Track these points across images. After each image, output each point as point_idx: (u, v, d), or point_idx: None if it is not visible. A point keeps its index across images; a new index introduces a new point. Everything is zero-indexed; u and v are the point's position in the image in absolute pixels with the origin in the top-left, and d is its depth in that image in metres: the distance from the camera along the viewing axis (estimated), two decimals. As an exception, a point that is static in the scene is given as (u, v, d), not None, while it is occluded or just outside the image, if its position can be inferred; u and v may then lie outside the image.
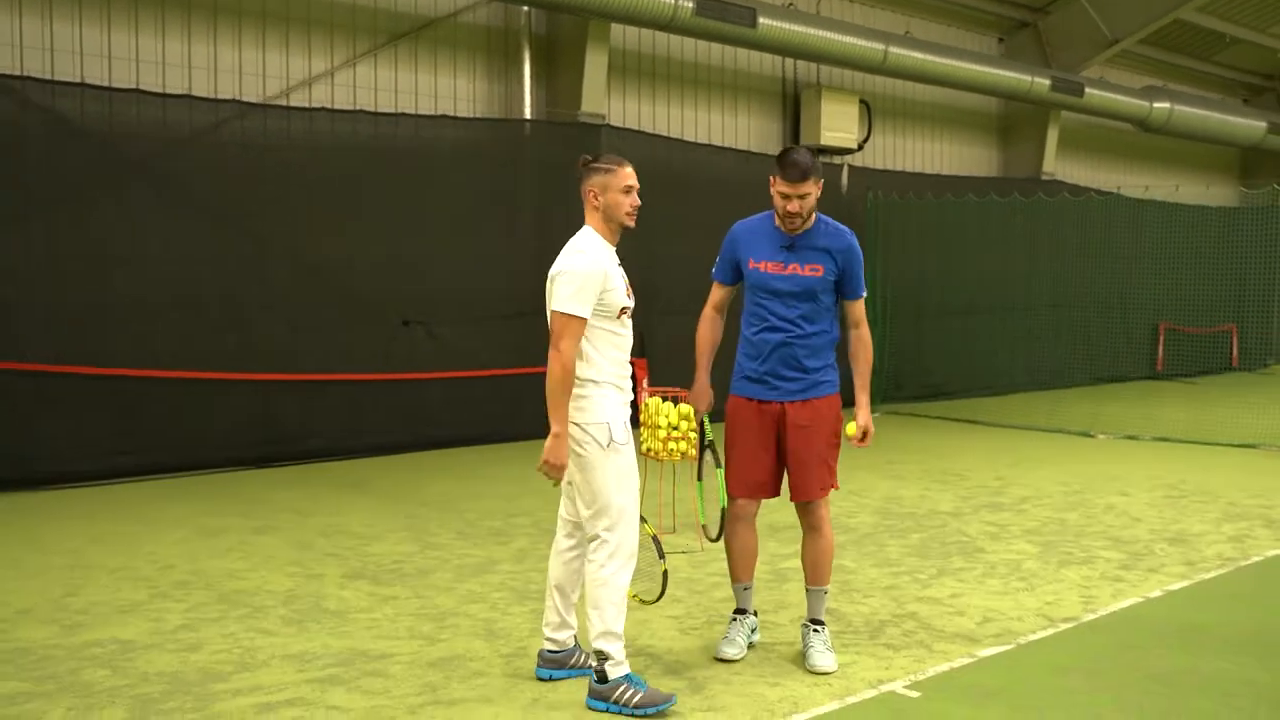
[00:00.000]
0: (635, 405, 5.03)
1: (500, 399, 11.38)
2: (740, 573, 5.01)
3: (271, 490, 8.88)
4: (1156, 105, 18.14)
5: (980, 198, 15.66)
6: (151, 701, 4.36)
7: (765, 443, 4.83)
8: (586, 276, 4.31)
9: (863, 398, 4.86)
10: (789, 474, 4.85)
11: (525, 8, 12.08)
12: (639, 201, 4.53)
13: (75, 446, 9.14)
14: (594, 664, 4.32)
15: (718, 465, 4.86)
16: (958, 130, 17.79)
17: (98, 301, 9.26)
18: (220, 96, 10.21)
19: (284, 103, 10.62)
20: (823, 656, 4.74)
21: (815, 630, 4.83)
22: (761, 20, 12.63)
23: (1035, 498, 8.67)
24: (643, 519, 4.64)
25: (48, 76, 9.37)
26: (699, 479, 5.07)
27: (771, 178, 4.75)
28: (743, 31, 12.56)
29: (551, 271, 4.40)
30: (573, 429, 4.32)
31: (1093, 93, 17.07)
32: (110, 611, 5.57)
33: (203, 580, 6.18)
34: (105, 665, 4.77)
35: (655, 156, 12.89)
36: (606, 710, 4.25)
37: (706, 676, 4.67)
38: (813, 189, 4.68)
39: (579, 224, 4.61)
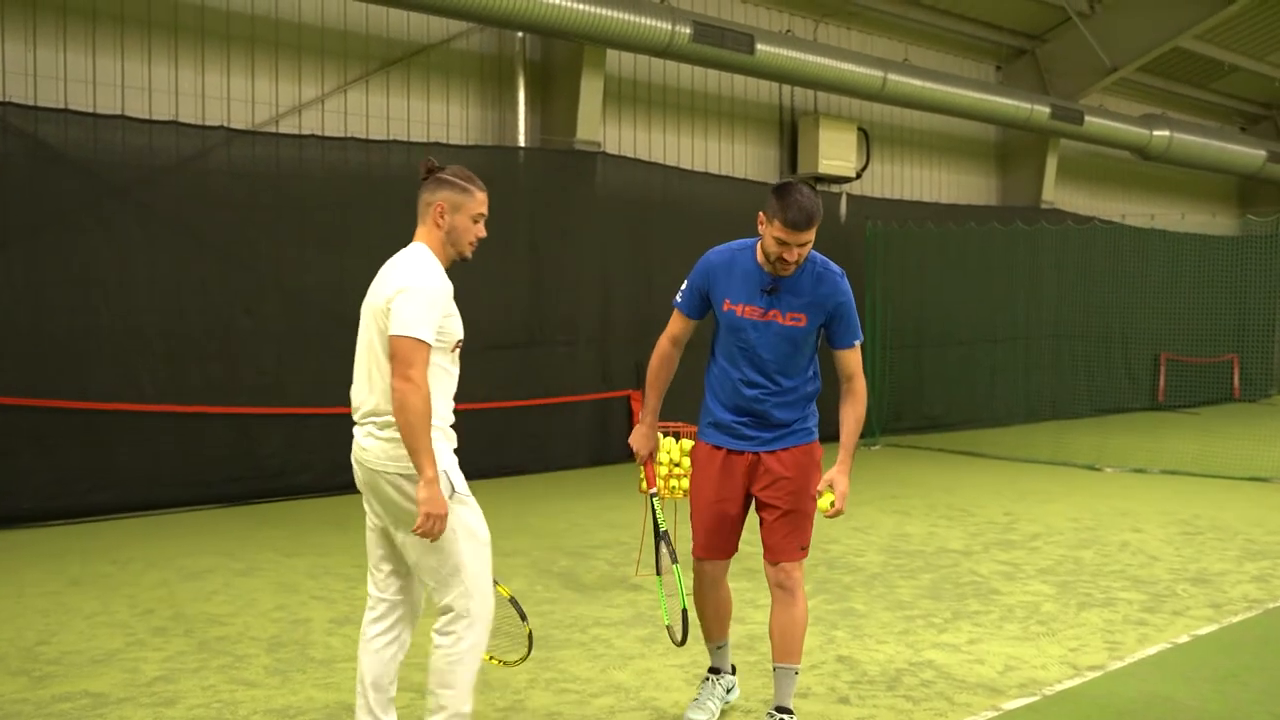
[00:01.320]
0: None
1: (487, 433, 11.06)
2: (713, 632, 4.52)
3: (256, 528, 8.58)
4: (1156, 133, 18.01)
5: (981, 226, 15.49)
6: (122, 763, 4.07)
7: (733, 496, 4.30)
8: (437, 297, 3.73)
9: (845, 462, 4.17)
10: (763, 530, 4.28)
11: (520, 34, 11.90)
12: (484, 233, 3.95)
13: (55, 482, 8.84)
14: None
15: (674, 561, 4.35)
16: (956, 158, 17.63)
17: (79, 332, 8.99)
18: (208, 123, 9.98)
19: (273, 130, 10.40)
20: None
21: None
22: (759, 46, 12.45)
23: (1046, 534, 8.40)
24: (495, 580, 3.99)
25: (30, 102, 9.13)
26: (657, 573, 4.56)
27: (764, 215, 4.10)
28: (740, 58, 12.38)
29: (390, 288, 3.73)
30: (402, 483, 3.72)
31: (1092, 120, 16.93)
32: (84, 661, 5.27)
33: (182, 626, 5.88)
34: (74, 722, 4.48)
35: (651, 184, 12.72)
36: None
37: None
38: (813, 236, 4.06)
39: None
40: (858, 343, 4.27)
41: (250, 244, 9.86)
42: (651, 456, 4.57)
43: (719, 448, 4.33)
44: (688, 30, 11.78)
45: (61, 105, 9.27)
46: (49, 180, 8.89)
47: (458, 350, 3.90)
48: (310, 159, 10.26)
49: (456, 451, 3.91)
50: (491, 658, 4.30)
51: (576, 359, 11.80)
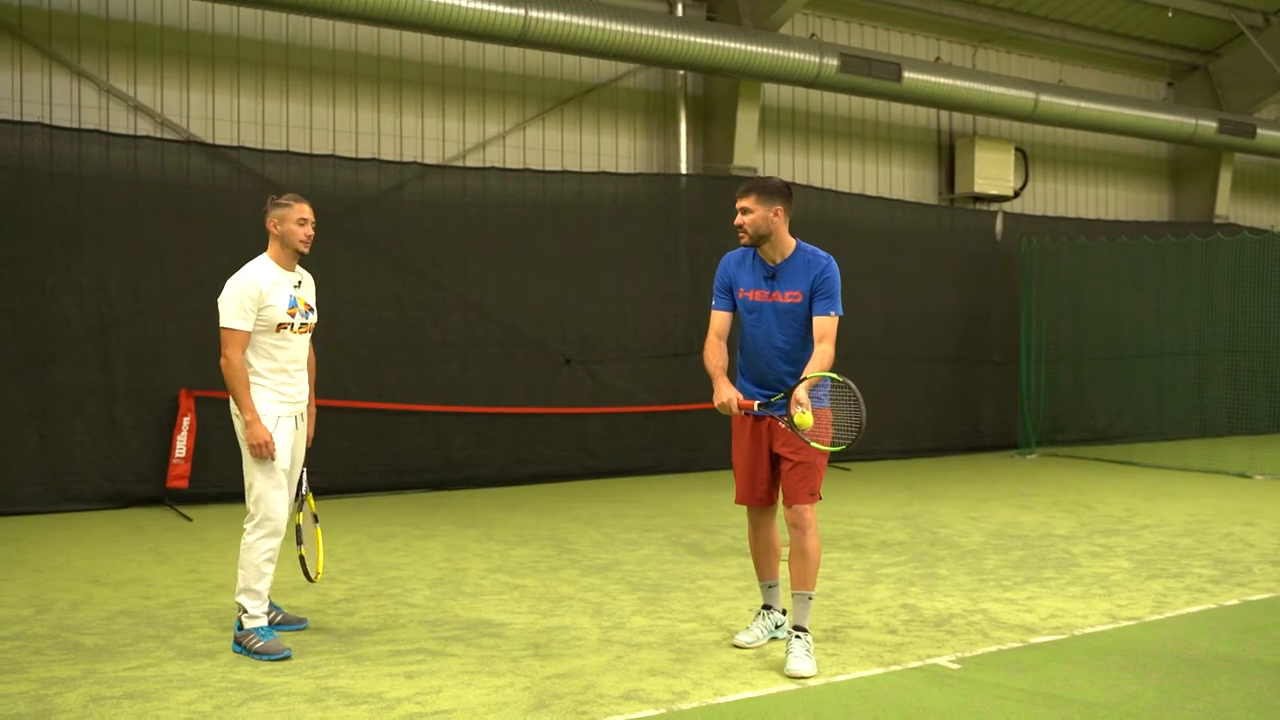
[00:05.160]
0: None
1: (653, 433, 12.22)
2: (762, 572, 5.46)
3: (439, 508, 9.91)
4: (1338, 144, 17.66)
5: (1155, 239, 15.63)
6: (308, 645, 5.32)
7: (760, 454, 5.23)
8: (238, 293, 5.25)
9: (802, 380, 4.82)
10: (780, 479, 5.19)
11: (681, 72, 13.04)
12: (312, 232, 5.46)
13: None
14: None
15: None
16: (1125, 175, 17.80)
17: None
18: (404, 159, 11.50)
19: (460, 164, 11.85)
20: (801, 662, 4.91)
21: (797, 637, 5.00)
22: (906, 74, 13.22)
23: (1156, 526, 8.88)
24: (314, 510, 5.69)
25: (259, 146, 10.84)
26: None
27: None
28: (887, 85, 13.18)
29: None
30: (235, 419, 5.33)
31: (1265, 134, 16.83)
32: (288, 588, 6.59)
33: (366, 568, 7.19)
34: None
35: (807, 206, 13.53)
36: (239, 651, 5.23)
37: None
38: (753, 205, 5.04)
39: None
40: (833, 314, 5.07)
41: (438, 264, 11.29)
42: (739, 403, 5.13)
43: (747, 415, 5.23)
44: (835, 62, 12.68)
45: (284, 148, 10.95)
46: (273, 211, 10.53)
47: (285, 331, 5.37)
48: (492, 189, 11.65)
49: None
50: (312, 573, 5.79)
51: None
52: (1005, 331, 15.10)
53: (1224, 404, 16.71)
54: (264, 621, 5.33)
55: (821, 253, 5.22)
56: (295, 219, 5.44)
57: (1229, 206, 18.09)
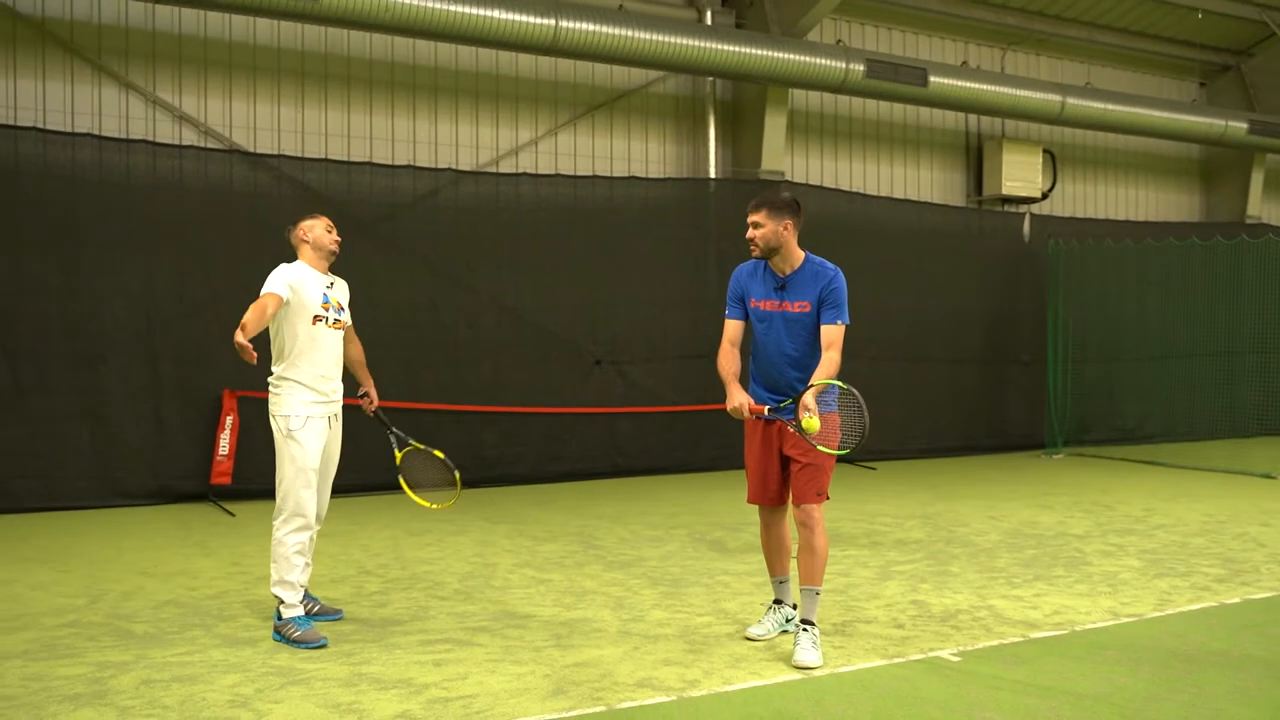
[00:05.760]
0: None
1: (681, 433, 12.50)
2: (774, 568, 5.74)
3: (472, 505, 10.20)
4: (1371, 145, 17.63)
5: (1180, 241, 15.70)
6: (343, 635, 5.64)
7: (771, 456, 5.48)
8: (279, 274, 5.67)
9: (810, 386, 5.09)
10: (790, 480, 5.43)
11: (710, 77, 13.29)
12: (339, 238, 5.95)
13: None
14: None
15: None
16: (1155, 176, 17.86)
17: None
18: (439, 166, 11.83)
19: (493, 170, 12.17)
20: (807, 653, 5.14)
21: (805, 630, 5.25)
22: (932, 79, 13.39)
23: (1172, 525, 9.04)
24: (423, 447, 6.39)
25: (299, 154, 11.20)
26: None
27: None
28: (913, 90, 13.36)
29: None
30: (271, 419, 5.74)
31: (1297, 135, 16.84)
32: (325, 581, 6.94)
33: (400, 562, 7.52)
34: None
35: (836, 209, 13.78)
36: (278, 640, 5.54)
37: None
38: (763, 220, 5.30)
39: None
40: (840, 323, 5.33)
41: (472, 268, 11.62)
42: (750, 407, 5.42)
43: (757, 419, 5.49)
44: (861, 68, 12.88)
45: (322, 156, 11.31)
46: (313, 217, 10.90)
47: (320, 324, 5.76)
48: (524, 194, 11.96)
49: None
50: (432, 504, 6.24)
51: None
52: (1033, 332, 15.25)
53: (1254, 405, 16.74)
54: (301, 611, 5.65)
55: (829, 264, 5.46)
56: (323, 227, 5.95)
57: (1261, 207, 18.11)
